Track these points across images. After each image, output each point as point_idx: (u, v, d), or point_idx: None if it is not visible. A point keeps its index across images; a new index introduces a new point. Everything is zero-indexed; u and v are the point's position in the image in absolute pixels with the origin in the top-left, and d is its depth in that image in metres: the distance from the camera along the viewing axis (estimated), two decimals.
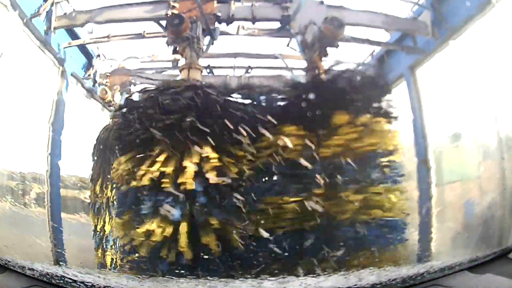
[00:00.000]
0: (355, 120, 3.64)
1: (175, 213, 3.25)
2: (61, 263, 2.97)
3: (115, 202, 3.71)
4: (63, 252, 3.44)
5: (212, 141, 3.39)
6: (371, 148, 3.62)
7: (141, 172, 3.33)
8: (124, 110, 3.70)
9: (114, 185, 3.71)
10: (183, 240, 3.17)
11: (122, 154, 3.56)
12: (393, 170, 3.69)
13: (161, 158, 3.35)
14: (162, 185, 3.26)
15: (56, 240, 3.62)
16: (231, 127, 3.44)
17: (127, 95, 4.03)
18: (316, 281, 2.61)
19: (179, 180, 3.26)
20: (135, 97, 3.87)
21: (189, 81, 3.84)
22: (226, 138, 3.45)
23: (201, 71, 4.15)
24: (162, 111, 3.48)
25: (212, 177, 3.31)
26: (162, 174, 3.29)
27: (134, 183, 3.39)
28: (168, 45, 4.10)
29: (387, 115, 3.77)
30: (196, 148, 3.36)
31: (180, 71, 4.09)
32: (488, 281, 2.14)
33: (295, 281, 2.61)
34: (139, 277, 2.74)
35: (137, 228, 3.28)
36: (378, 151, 3.66)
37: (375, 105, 3.81)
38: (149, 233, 3.23)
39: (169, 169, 3.29)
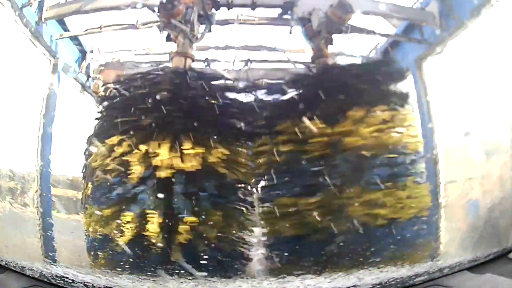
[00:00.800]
0: (370, 113, 3.80)
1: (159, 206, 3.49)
2: (60, 263, 3.15)
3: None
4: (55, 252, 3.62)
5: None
6: (393, 143, 3.79)
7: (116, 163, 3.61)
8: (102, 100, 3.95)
9: (95, 178, 3.87)
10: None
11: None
12: (413, 166, 3.86)
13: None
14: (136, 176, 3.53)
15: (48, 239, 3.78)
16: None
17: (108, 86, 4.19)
18: (316, 281, 2.80)
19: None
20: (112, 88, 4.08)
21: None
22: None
23: (192, 59, 4.25)
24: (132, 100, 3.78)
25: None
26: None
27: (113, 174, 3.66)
28: (160, 31, 4.21)
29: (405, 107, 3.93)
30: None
31: (171, 59, 4.20)
32: (488, 281, 2.30)
33: (295, 281, 2.80)
34: (139, 278, 2.92)
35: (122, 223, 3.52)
36: (400, 145, 3.82)
37: (391, 96, 3.97)
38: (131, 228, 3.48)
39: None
